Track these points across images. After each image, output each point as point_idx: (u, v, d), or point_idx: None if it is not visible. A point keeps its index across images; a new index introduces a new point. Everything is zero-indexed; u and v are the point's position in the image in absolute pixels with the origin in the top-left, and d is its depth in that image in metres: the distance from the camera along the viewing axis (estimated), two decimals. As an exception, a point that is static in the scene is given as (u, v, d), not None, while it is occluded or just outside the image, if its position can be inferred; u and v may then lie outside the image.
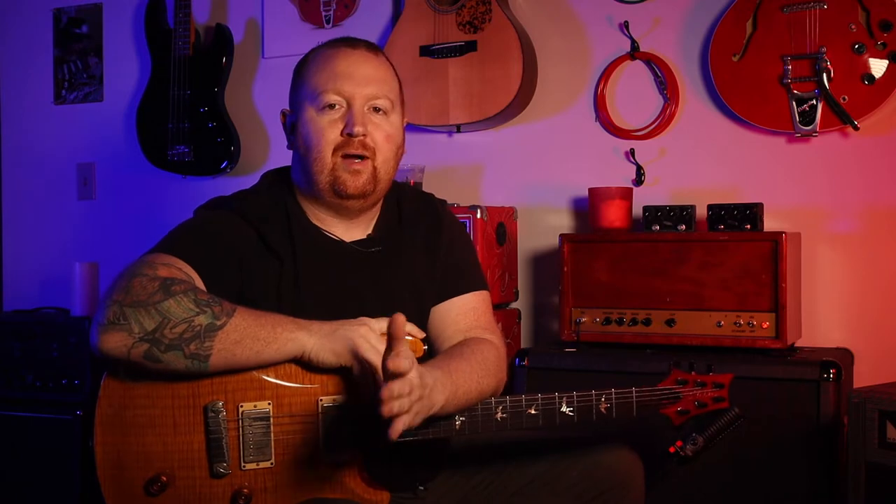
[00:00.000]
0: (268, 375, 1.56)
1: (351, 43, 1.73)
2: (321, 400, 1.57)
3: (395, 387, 1.37)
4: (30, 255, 3.77)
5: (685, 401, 1.73)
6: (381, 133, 1.69)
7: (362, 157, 1.67)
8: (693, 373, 1.74)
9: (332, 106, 1.68)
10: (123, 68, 3.61)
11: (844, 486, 2.19)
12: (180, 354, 1.47)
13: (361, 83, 1.68)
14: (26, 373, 3.03)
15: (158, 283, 1.50)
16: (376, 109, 1.70)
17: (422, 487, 1.71)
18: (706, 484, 2.35)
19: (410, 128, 2.99)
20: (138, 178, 3.56)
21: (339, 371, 1.56)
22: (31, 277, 3.75)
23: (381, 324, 1.59)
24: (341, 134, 1.67)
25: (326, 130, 1.67)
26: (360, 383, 1.56)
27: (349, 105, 1.68)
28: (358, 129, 1.66)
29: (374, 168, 1.69)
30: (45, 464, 2.94)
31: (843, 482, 2.22)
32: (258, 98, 3.43)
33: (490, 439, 1.85)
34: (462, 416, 1.60)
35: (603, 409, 1.66)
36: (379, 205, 1.79)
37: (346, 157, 1.67)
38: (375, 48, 1.75)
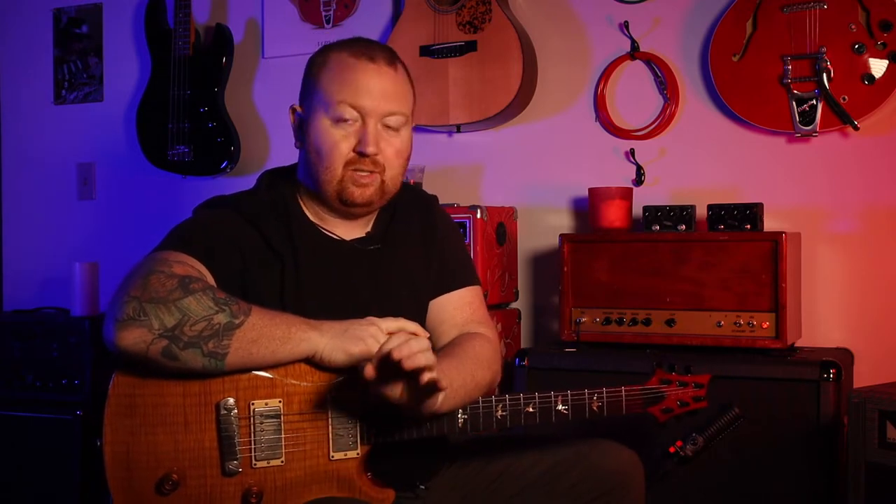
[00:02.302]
0: (278, 374, 1.56)
1: (371, 54, 1.69)
2: (330, 398, 1.57)
3: (414, 344, 1.46)
4: (30, 255, 3.77)
5: (669, 400, 1.79)
6: (392, 149, 1.70)
7: (371, 171, 1.68)
8: (674, 373, 1.81)
9: (346, 120, 1.67)
10: (123, 68, 3.61)
11: (844, 486, 2.19)
12: (198, 352, 1.47)
13: (377, 99, 1.67)
14: (26, 373, 3.03)
15: (176, 280, 1.50)
16: (389, 126, 1.69)
17: (422, 486, 1.72)
18: (706, 484, 2.35)
19: (411, 128, 3.01)
20: (138, 178, 3.56)
21: (348, 370, 1.57)
22: (31, 277, 3.75)
23: (388, 323, 1.60)
24: (353, 150, 1.67)
25: (339, 144, 1.67)
26: (369, 383, 1.56)
27: (363, 121, 1.67)
28: (371, 150, 1.66)
29: (383, 181, 1.70)
30: (45, 464, 2.94)
31: (843, 482, 2.22)
32: (258, 98, 3.43)
33: (491, 440, 1.86)
34: (464, 414, 1.63)
35: (595, 408, 1.72)
36: None
37: (356, 170, 1.67)
38: (394, 59, 1.72)
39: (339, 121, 1.67)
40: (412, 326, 1.63)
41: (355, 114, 1.67)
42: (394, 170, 1.71)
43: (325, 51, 1.74)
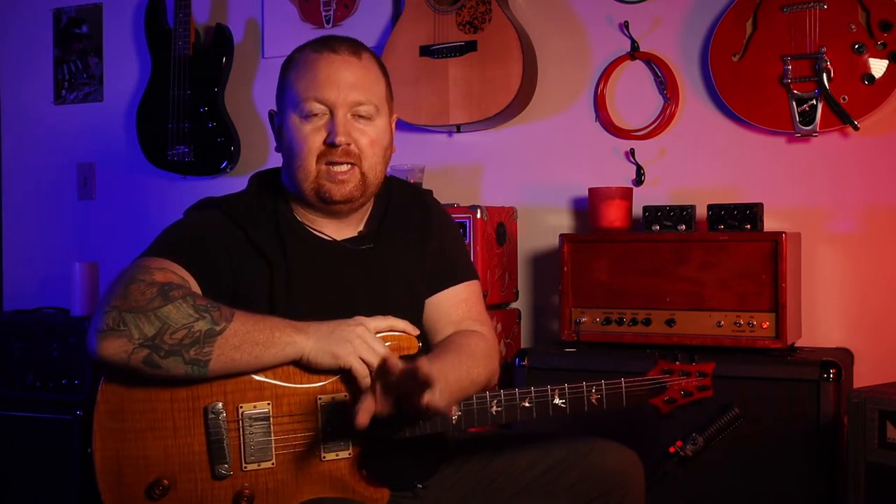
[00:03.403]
0: (266, 376, 1.56)
1: (333, 46, 1.69)
2: (319, 399, 1.58)
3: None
4: (30, 255, 3.77)
5: (671, 390, 1.77)
6: (366, 139, 1.68)
7: (350, 165, 1.67)
8: (677, 363, 1.79)
9: (314, 113, 1.66)
10: (123, 68, 3.61)
11: (844, 486, 2.19)
12: (180, 360, 1.47)
13: (344, 90, 1.66)
14: (26, 373, 3.03)
15: (157, 288, 1.50)
16: (360, 115, 1.68)
17: (420, 485, 1.72)
18: (706, 484, 2.35)
19: (410, 128, 3.01)
20: (138, 178, 3.56)
21: (336, 370, 1.57)
22: (31, 277, 3.75)
23: (376, 322, 1.60)
24: (324, 143, 1.66)
25: (309, 139, 1.66)
26: (359, 383, 1.56)
27: (332, 113, 1.66)
28: (340, 139, 1.65)
29: (362, 174, 1.69)
30: (45, 464, 2.94)
31: (843, 482, 2.22)
32: (258, 98, 3.43)
33: (490, 439, 1.86)
34: (458, 411, 1.62)
35: (594, 400, 1.70)
36: (370, 202, 1.79)
37: (330, 163, 1.66)
38: (359, 50, 1.72)
39: (308, 116, 1.67)
40: (401, 325, 1.63)
41: (323, 107, 1.66)
42: (371, 160, 1.69)
43: (293, 52, 1.75)
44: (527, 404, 1.66)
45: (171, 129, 3.30)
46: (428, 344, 1.77)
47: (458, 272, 1.83)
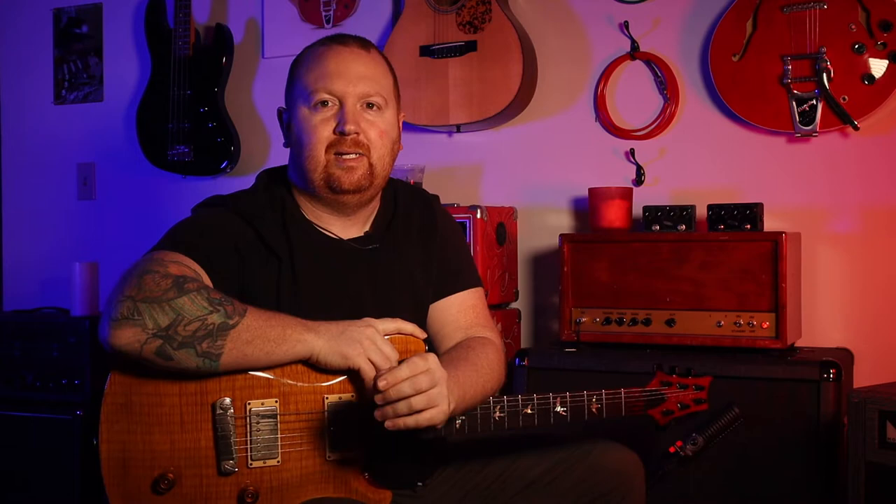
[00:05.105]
0: (274, 374, 1.56)
1: (342, 40, 1.73)
2: (327, 398, 1.58)
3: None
4: (30, 255, 3.77)
5: (669, 402, 1.80)
6: (375, 130, 1.70)
7: (358, 154, 1.68)
8: (675, 375, 1.81)
9: (324, 104, 1.68)
10: (123, 68, 3.61)
11: (844, 486, 2.19)
12: (192, 352, 1.47)
13: (353, 81, 1.68)
14: (26, 373, 3.03)
15: (171, 280, 1.50)
16: (369, 106, 1.70)
17: (420, 483, 1.72)
18: (706, 484, 2.35)
19: (410, 128, 3.01)
20: (138, 178, 3.56)
21: (345, 371, 1.57)
22: (31, 277, 3.75)
23: (385, 325, 1.61)
24: (333, 132, 1.67)
25: (318, 128, 1.68)
26: (366, 384, 1.56)
27: (341, 103, 1.68)
28: (349, 128, 1.66)
29: (371, 164, 1.70)
30: (45, 464, 2.94)
31: (843, 482, 2.22)
32: (258, 98, 3.43)
33: (492, 439, 1.86)
34: (461, 416, 1.62)
35: (594, 409, 1.72)
36: (376, 202, 1.80)
37: (339, 154, 1.67)
38: (368, 44, 1.75)
39: (318, 106, 1.68)
40: (409, 328, 1.64)
41: (332, 98, 1.68)
42: (379, 150, 1.70)
43: (303, 50, 1.77)
44: (529, 411, 1.67)
45: (171, 129, 3.30)
46: (433, 347, 1.77)
47: (466, 278, 1.85)
